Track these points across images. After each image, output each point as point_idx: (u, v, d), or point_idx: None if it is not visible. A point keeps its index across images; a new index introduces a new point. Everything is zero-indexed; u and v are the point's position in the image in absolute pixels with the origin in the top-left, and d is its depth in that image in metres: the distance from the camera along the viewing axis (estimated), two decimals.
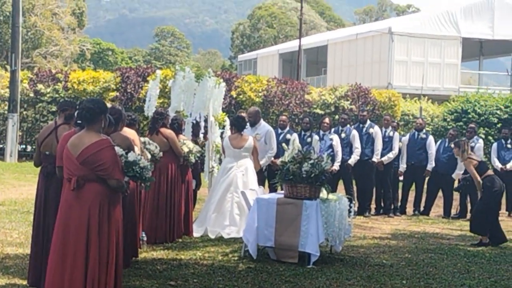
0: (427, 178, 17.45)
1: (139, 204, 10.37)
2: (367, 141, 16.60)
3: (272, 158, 14.39)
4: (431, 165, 16.98)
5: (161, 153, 10.85)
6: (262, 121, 14.46)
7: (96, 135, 6.76)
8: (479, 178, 12.86)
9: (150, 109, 13.93)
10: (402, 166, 17.10)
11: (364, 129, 16.73)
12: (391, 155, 16.66)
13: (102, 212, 6.74)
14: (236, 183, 12.75)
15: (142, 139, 10.61)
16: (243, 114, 14.23)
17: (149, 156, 10.09)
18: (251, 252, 10.57)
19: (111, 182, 6.72)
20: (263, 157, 13.98)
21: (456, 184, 16.58)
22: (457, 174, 16.33)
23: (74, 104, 8.53)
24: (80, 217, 6.70)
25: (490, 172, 13.26)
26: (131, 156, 7.05)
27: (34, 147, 10.43)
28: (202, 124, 14.24)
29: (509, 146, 18.00)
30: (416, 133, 17.37)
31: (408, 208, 17.54)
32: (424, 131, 17.54)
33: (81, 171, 6.69)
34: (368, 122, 17.02)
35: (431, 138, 17.37)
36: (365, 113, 17.48)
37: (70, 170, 6.77)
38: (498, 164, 17.71)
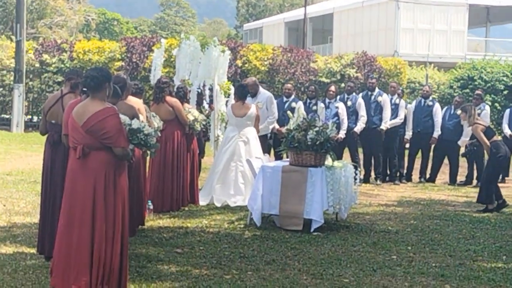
0: (433, 146, 17.43)
1: (145, 173, 10.40)
2: (376, 109, 16.53)
3: (277, 126, 14.38)
4: (437, 132, 16.94)
5: (161, 127, 10.74)
6: (261, 89, 14.37)
7: (100, 103, 6.76)
8: (487, 142, 12.88)
9: (155, 78, 13.93)
10: (408, 134, 17.08)
11: (373, 97, 16.67)
12: (396, 121, 16.59)
13: (108, 180, 6.76)
14: (239, 152, 12.76)
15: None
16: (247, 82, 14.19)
17: (155, 125, 10.07)
18: (255, 220, 10.64)
19: (117, 150, 6.72)
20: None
21: (462, 151, 16.60)
22: (463, 141, 16.27)
23: (80, 73, 8.53)
24: (86, 186, 6.72)
25: (496, 137, 13.26)
26: (135, 124, 7.05)
27: (40, 117, 10.53)
28: (207, 93, 14.22)
29: None
30: (423, 100, 17.32)
31: (414, 175, 17.56)
32: (430, 98, 17.49)
33: (87, 139, 6.69)
34: (377, 90, 16.93)
35: (437, 106, 17.31)
36: (373, 80, 17.34)
37: (75, 139, 6.78)
38: (507, 131, 17.62)
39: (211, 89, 14.22)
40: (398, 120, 16.66)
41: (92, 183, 6.71)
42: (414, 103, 17.68)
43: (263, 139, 13.67)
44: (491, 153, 12.87)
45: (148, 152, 7.65)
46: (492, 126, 15.65)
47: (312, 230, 10.28)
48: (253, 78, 15.33)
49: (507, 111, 18.50)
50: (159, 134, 10.27)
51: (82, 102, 6.87)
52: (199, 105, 13.75)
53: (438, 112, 17.09)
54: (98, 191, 6.72)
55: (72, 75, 8.54)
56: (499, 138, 13.96)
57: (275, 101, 14.44)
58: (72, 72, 8.69)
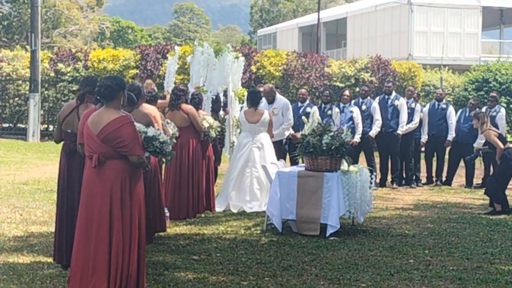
0: (448, 148, 17.37)
1: (161, 180, 10.41)
2: (393, 113, 16.44)
3: (292, 132, 14.39)
4: (451, 135, 16.88)
5: (177, 134, 10.76)
6: (277, 95, 14.40)
7: (115, 112, 6.78)
8: (502, 146, 12.85)
9: (169, 85, 13.97)
10: (424, 137, 17.03)
11: (390, 101, 16.59)
12: (411, 125, 16.56)
13: (124, 188, 6.78)
14: (253, 158, 12.77)
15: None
16: (261, 89, 14.20)
17: (171, 132, 10.09)
18: (276, 226, 10.63)
19: (132, 158, 6.75)
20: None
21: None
22: (479, 143, 16.24)
23: (91, 79, 8.39)
24: (103, 194, 6.74)
25: (508, 145, 13.22)
26: (150, 132, 7.07)
27: (56, 126, 10.52)
28: (222, 99, 14.23)
29: None
30: (437, 103, 17.27)
31: None
32: (444, 101, 17.44)
33: (102, 148, 6.72)
34: (394, 93, 16.83)
35: (451, 108, 17.25)
36: (390, 84, 17.13)
37: (91, 148, 6.80)
38: None
39: (225, 95, 14.24)
40: (413, 125, 16.60)
41: (108, 191, 6.73)
42: (428, 106, 17.62)
43: (278, 144, 13.70)
44: (505, 158, 12.85)
45: (164, 159, 7.66)
46: (507, 128, 15.60)
47: (327, 235, 10.27)
48: (269, 84, 15.32)
49: None
50: (175, 141, 10.31)
51: (97, 111, 6.89)
52: (215, 112, 13.76)
53: (452, 115, 17.04)
54: (115, 200, 6.74)
55: (82, 85, 8.43)
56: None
57: (291, 108, 14.45)
58: (83, 82, 8.49)
